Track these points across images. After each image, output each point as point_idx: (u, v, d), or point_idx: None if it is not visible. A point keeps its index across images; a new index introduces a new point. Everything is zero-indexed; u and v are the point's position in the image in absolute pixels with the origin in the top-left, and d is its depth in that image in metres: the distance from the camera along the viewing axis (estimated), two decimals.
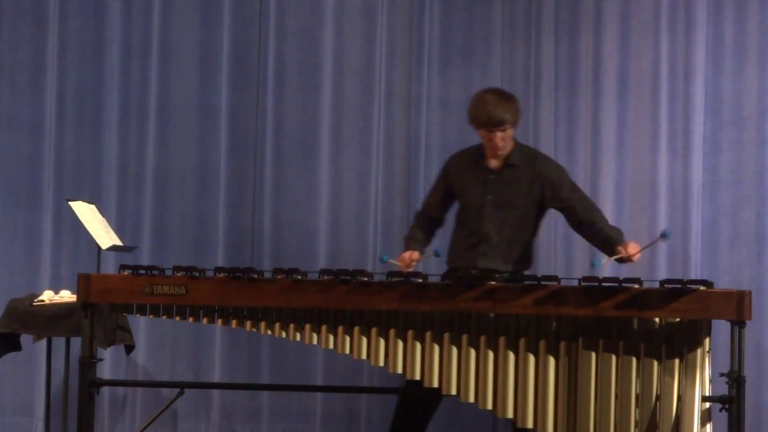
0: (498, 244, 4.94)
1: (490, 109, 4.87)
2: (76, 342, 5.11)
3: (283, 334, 4.61)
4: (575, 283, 4.46)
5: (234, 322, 4.63)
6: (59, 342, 5.65)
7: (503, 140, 4.93)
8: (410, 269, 4.89)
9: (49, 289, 5.77)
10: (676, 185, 6.26)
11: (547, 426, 4.41)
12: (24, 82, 6.42)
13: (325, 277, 4.57)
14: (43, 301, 5.51)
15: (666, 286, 4.40)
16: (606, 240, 4.90)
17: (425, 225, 5.16)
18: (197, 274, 4.62)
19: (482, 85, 6.31)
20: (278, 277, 4.60)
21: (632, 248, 4.79)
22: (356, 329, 4.55)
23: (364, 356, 4.55)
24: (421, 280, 4.52)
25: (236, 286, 4.59)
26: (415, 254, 4.97)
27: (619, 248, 4.79)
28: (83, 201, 5.69)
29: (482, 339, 4.48)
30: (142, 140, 6.42)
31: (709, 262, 6.22)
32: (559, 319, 4.46)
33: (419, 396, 4.88)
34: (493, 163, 4.99)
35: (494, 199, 4.96)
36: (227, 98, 6.44)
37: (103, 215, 5.78)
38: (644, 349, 4.40)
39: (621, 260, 4.80)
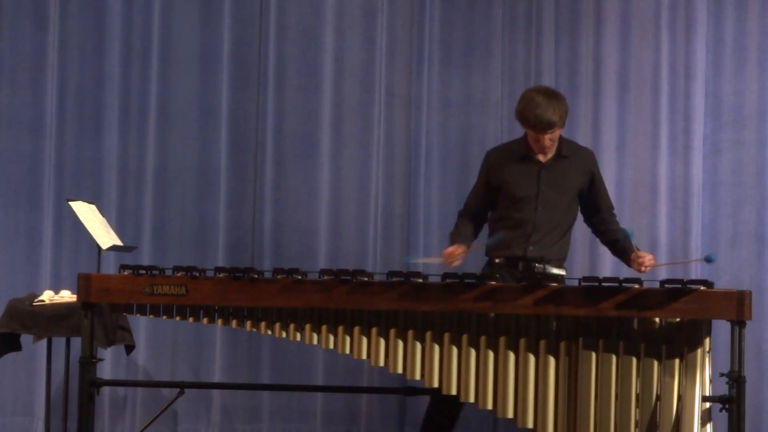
0: (549, 233, 5.01)
1: (540, 112, 4.91)
2: (76, 342, 5.11)
3: (283, 334, 4.61)
4: (575, 283, 4.46)
5: (234, 322, 4.63)
6: (59, 342, 5.65)
7: (551, 140, 5.00)
8: (455, 263, 4.92)
9: (49, 289, 5.77)
10: (676, 185, 6.26)
11: (547, 426, 4.41)
12: (24, 82, 6.41)
13: (325, 277, 4.57)
14: (43, 301, 5.51)
15: (666, 286, 4.40)
16: (617, 244, 5.11)
17: (470, 221, 5.17)
18: (197, 274, 4.62)
19: (482, 85, 6.36)
20: (278, 277, 4.60)
21: (648, 260, 4.93)
22: (356, 329, 4.55)
23: (364, 356, 4.55)
24: (421, 280, 4.52)
25: (236, 286, 4.59)
26: (461, 248, 4.97)
27: (633, 256, 4.95)
28: (83, 201, 5.68)
29: (482, 339, 4.48)
30: (142, 140, 6.42)
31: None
32: (559, 319, 4.46)
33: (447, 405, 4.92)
34: (543, 157, 5.05)
35: (548, 190, 5.02)
36: (227, 98, 6.44)
37: (103, 215, 5.78)
38: (644, 349, 4.40)
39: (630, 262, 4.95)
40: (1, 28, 6.42)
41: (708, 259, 4.88)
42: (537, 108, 4.91)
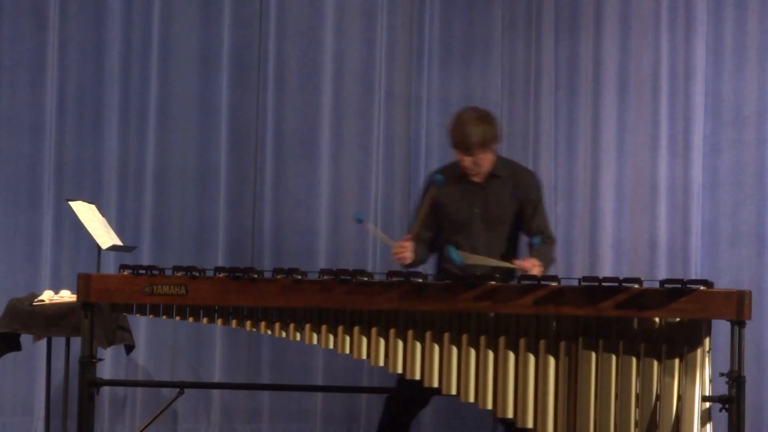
0: (491, 255, 4.89)
1: (464, 132, 4.81)
2: (76, 342, 5.11)
3: (283, 334, 4.60)
4: (575, 283, 4.46)
5: (234, 322, 4.63)
6: (59, 342, 5.65)
7: (474, 163, 4.87)
8: (400, 256, 4.82)
9: (49, 289, 5.77)
10: (676, 185, 6.27)
11: (547, 426, 4.41)
12: (24, 82, 6.42)
13: (325, 277, 4.57)
14: (43, 301, 5.51)
15: (666, 286, 4.40)
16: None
17: (419, 245, 4.98)
18: (197, 274, 4.62)
19: (482, 85, 6.37)
20: (278, 277, 4.60)
21: (530, 266, 4.77)
22: (356, 329, 4.54)
23: (364, 356, 4.55)
24: (421, 280, 4.52)
25: (236, 286, 4.59)
26: (412, 247, 4.86)
27: (518, 261, 4.79)
28: (83, 201, 5.69)
29: (482, 339, 4.48)
30: (142, 140, 6.43)
31: (709, 262, 6.22)
32: (559, 319, 4.46)
33: (407, 397, 4.92)
34: (477, 177, 4.95)
35: (482, 212, 4.95)
36: (227, 98, 6.44)
37: (103, 215, 5.78)
38: (644, 349, 4.40)
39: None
40: (1, 28, 6.42)
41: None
42: (462, 127, 4.83)
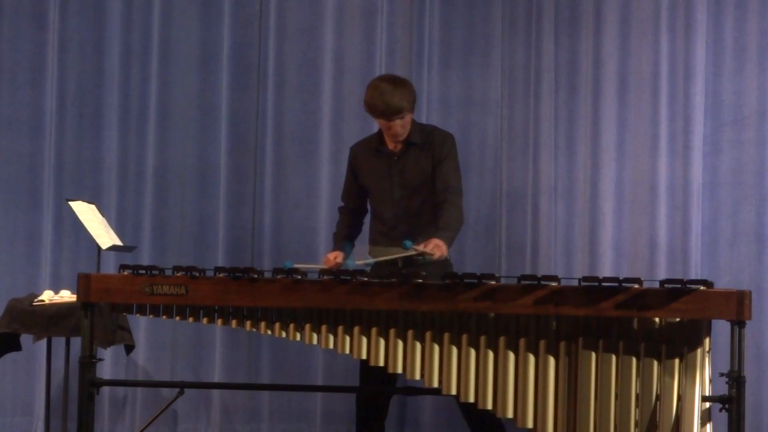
0: (415, 223, 5.04)
1: (387, 98, 4.96)
2: (76, 342, 5.11)
3: (283, 334, 4.60)
4: (575, 283, 4.45)
5: (234, 322, 4.63)
6: (59, 342, 5.65)
7: (403, 127, 5.03)
8: (333, 263, 5.01)
9: (49, 289, 5.77)
10: (676, 185, 6.26)
11: (547, 426, 4.41)
12: (24, 82, 6.42)
13: (325, 277, 4.57)
14: (43, 301, 5.51)
15: (666, 286, 4.39)
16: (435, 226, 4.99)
17: (350, 216, 5.28)
18: (197, 274, 4.62)
19: (482, 85, 6.36)
20: (278, 277, 4.60)
21: (434, 248, 4.84)
22: (356, 329, 4.54)
23: (364, 356, 4.54)
24: (421, 280, 4.52)
25: (236, 286, 4.58)
26: (340, 256, 5.08)
27: (420, 248, 4.85)
28: (83, 201, 5.69)
29: (482, 339, 4.47)
30: (142, 140, 6.43)
31: (709, 262, 6.22)
32: (559, 319, 4.46)
33: (374, 389, 5.02)
34: (394, 146, 5.08)
35: (402, 179, 5.06)
36: (227, 98, 6.44)
37: (103, 215, 5.78)
38: (644, 349, 4.39)
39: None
40: (1, 28, 6.42)
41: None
42: (384, 95, 4.95)
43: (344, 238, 5.23)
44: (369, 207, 5.27)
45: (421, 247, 4.86)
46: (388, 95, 4.95)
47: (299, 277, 4.57)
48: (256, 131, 6.45)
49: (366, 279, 4.54)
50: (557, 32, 6.37)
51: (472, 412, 4.81)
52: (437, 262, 4.88)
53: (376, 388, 5.07)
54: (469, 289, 4.47)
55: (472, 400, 4.46)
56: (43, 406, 6.07)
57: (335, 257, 5.08)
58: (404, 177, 5.09)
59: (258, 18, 6.47)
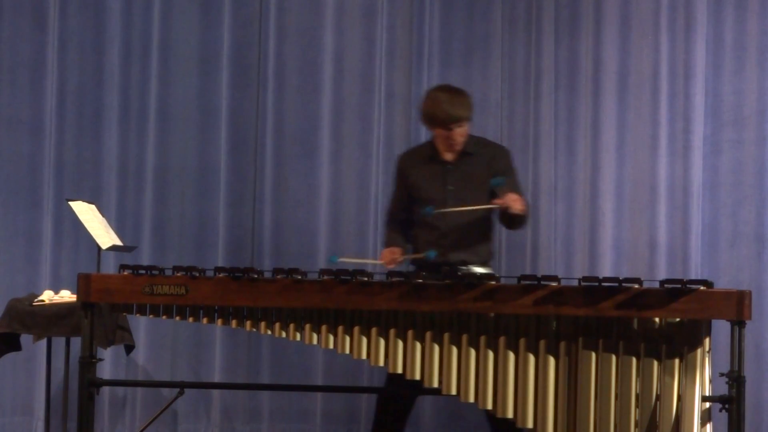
0: (464, 235, 5.02)
1: (447, 107, 4.96)
2: (76, 342, 5.11)
3: (283, 334, 4.60)
4: (575, 283, 4.46)
5: (234, 322, 4.63)
6: (59, 342, 5.65)
7: (462, 135, 5.02)
8: (391, 266, 4.98)
9: (49, 289, 5.77)
10: (676, 185, 6.26)
11: (547, 426, 4.41)
12: (24, 82, 6.42)
13: (325, 277, 4.57)
14: (43, 301, 5.51)
15: (666, 286, 4.39)
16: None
17: (398, 227, 5.21)
18: (197, 274, 4.62)
19: (482, 85, 6.36)
20: (278, 277, 4.60)
21: (511, 200, 4.87)
22: (356, 329, 4.54)
23: (364, 356, 4.55)
24: (421, 280, 4.52)
25: (236, 286, 4.59)
26: (398, 251, 5.05)
27: (498, 201, 4.89)
28: (83, 201, 5.69)
29: (482, 339, 4.47)
30: (142, 140, 6.43)
31: (709, 262, 6.22)
32: (559, 319, 4.46)
33: (397, 395, 4.98)
34: (449, 156, 5.06)
35: (456, 189, 5.04)
36: (227, 98, 6.44)
37: (103, 215, 5.78)
38: (644, 349, 4.39)
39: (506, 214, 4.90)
40: (1, 28, 6.42)
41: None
42: (444, 104, 4.96)
43: (399, 244, 5.13)
44: (414, 216, 5.17)
45: (499, 201, 4.87)
46: (448, 104, 4.95)
47: (299, 277, 4.57)
48: (256, 131, 6.45)
49: (366, 279, 4.54)
50: (557, 32, 6.37)
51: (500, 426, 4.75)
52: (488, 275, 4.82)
53: (394, 389, 5.03)
54: (469, 289, 4.47)
55: (472, 400, 4.46)
56: (43, 406, 6.07)
57: (392, 253, 5.03)
58: (459, 186, 5.05)
59: (258, 18, 6.47)
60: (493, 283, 4.48)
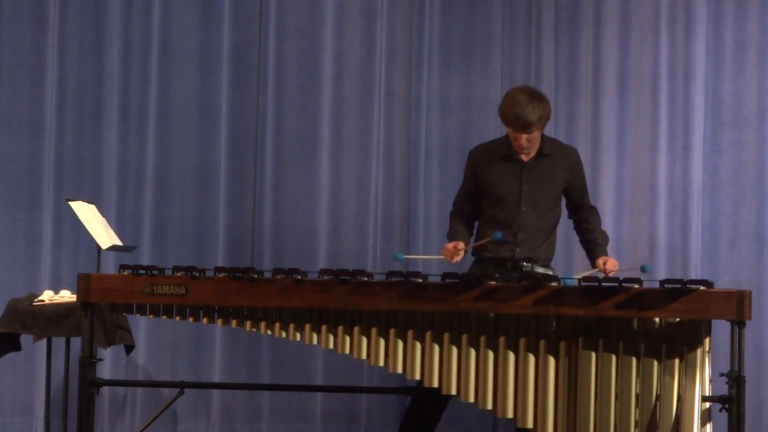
0: (534, 233, 5.06)
1: (519, 110, 4.95)
2: (76, 342, 5.11)
3: (283, 334, 4.61)
4: (575, 283, 4.46)
5: (234, 322, 4.63)
6: (59, 342, 5.65)
7: (529, 141, 5.02)
8: (456, 259, 5.00)
9: (49, 289, 5.77)
10: (676, 185, 6.27)
11: (547, 426, 4.41)
12: (24, 82, 6.41)
13: (325, 277, 4.57)
14: (43, 301, 5.51)
15: (666, 286, 4.40)
16: (592, 244, 5.20)
17: (463, 220, 5.23)
18: (197, 274, 4.62)
19: (482, 85, 6.36)
20: (278, 277, 4.60)
21: (611, 265, 5.05)
22: (356, 329, 4.55)
23: (364, 356, 4.55)
24: (420, 280, 4.52)
25: (236, 286, 4.59)
26: (461, 243, 5.05)
27: (599, 262, 5.08)
28: (83, 201, 5.68)
29: (482, 339, 4.48)
30: (142, 140, 6.42)
31: (709, 262, 6.22)
32: (559, 319, 4.46)
33: (433, 397, 4.93)
34: (526, 156, 5.08)
35: (530, 189, 5.06)
36: (227, 98, 6.44)
37: (103, 215, 5.78)
38: (644, 349, 4.40)
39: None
40: (1, 28, 6.41)
41: (643, 269, 4.90)
42: (517, 106, 4.95)
43: (464, 235, 5.15)
44: (482, 212, 5.19)
45: (601, 265, 5.03)
46: (521, 107, 4.93)
47: (299, 277, 4.57)
48: (256, 131, 6.45)
49: (366, 279, 4.54)
50: (557, 32, 6.37)
51: None
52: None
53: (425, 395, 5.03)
54: (469, 289, 4.48)
55: (472, 400, 4.47)
56: (43, 406, 6.07)
57: (455, 246, 5.03)
58: (533, 186, 5.07)
59: (258, 18, 6.47)
60: (493, 283, 4.48)
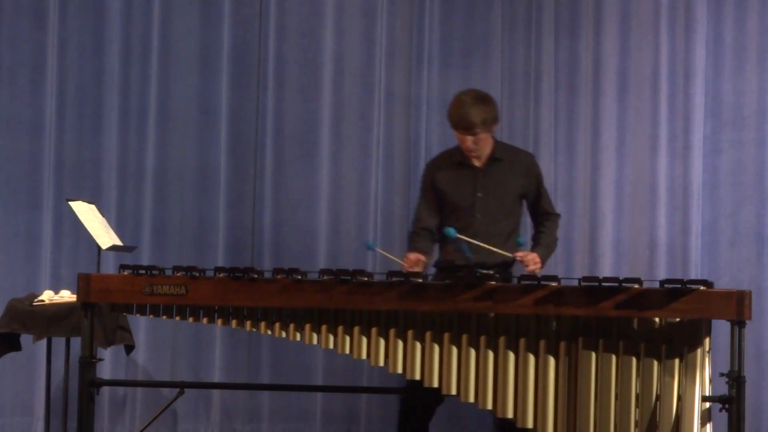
0: (491, 239, 4.97)
1: (462, 112, 4.93)
2: (76, 342, 5.11)
3: (283, 334, 4.60)
4: (575, 283, 4.46)
5: (234, 322, 4.63)
6: (59, 342, 5.65)
7: (475, 143, 4.96)
8: (417, 269, 4.90)
9: (49, 289, 5.77)
10: (676, 185, 6.26)
11: (547, 426, 4.41)
12: (24, 82, 6.42)
13: (325, 277, 4.57)
14: (43, 301, 5.51)
15: (666, 286, 4.40)
16: (534, 242, 5.13)
17: (426, 238, 5.12)
18: (197, 274, 4.62)
19: (482, 85, 6.33)
20: (278, 277, 4.60)
21: (531, 261, 4.92)
22: (356, 329, 4.54)
23: (364, 356, 4.55)
24: (420, 280, 4.52)
25: (236, 286, 4.59)
26: (423, 258, 5.00)
27: (520, 253, 4.93)
28: (83, 201, 5.69)
29: (482, 339, 4.48)
30: (142, 140, 6.43)
31: (709, 262, 6.22)
32: (559, 319, 4.46)
33: (420, 396, 4.90)
34: (478, 161, 5.03)
35: (484, 196, 5.02)
36: (227, 98, 6.44)
37: (103, 215, 5.78)
38: (644, 349, 4.40)
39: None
40: (1, 28, 6.42)
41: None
42: (461, 108, 4.94)
43: (426, 252, 5.06)
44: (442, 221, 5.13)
45: (520, 254, 4.89)
46: (464, 109, 4.92)
47: (299, 277, 4.57)
48: (256, 131, 6.45)
49: (366, 279, 4.54)
50: (557, 32, 6.37)
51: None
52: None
53: (415, 394, 4.97)
54: (469, 289, 4.47)
55: (472, 400, 4.47)
56: (43, 406, 6.07)
57: (417, 258, 4.97)
58: (488, 193, 5.03)
59: (258, 18, 6.47)
60: (494, 283, 4.48)
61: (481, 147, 4.99)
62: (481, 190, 5.02)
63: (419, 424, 5.03)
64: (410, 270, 4.87)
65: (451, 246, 5.02)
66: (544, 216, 5.15)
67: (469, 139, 4.95)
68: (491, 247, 4.85)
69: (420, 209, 5.15)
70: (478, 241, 4.89)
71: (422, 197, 5.16)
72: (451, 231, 4.88)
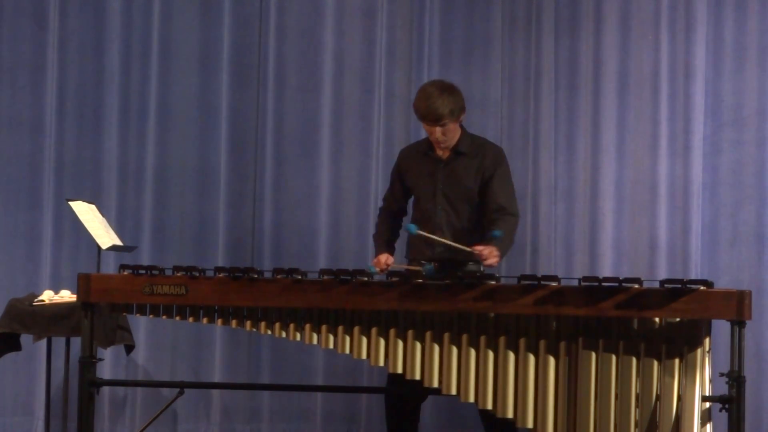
0: (454, 233, 4.99)
1: (429, 104, 4.94)
2: (76, 342, 5.11)
3: (283, 334, 4.60)
4: (575, 283, 4.46)
5: (234, 322, 4.63)
6: (59, 342, 5.65)
7: (443, 134, 4.99)
8: (384, 269, 4.97)
9: (49, 289, 5.77)
10: (676, 185, 6.27)
11: (547, 426, 4.41)
12: (24, 82, 6.41)
13: (325, 277, 4.57)
14: (43, 301, 5.51)
15: (666, 286, 4.39)
16: (488, 234, 4.88)
17: (389, 219, 5.28)
18: (197, 274, 4.62)
19: (482, 85, 6.37)
20: (278, 277, 4.60)
21: (489, 254, 4.75)
22: (356, 329, 4.54)
23: (364, 356, 4.55)
24: (421, 280, 4.52)
25: (236, 286, 4.59)
26: (390, 259, 5.07)
27: (478, 247, 4.76)
28: (83, 201, 5.68)
29: (482, 339, 4.48)
30: (142, 140, 6.43)
31: (709, 262, 6.22)
32: (559, 319, 4.46)
33: (403, 392, 4.96)
34: (442, 153, 5.05)
35: (444, 188, 5.05)
36: (227, 98, 6.44)
37: (103, 215, 5.78)
38: (644, 349, 4.40)
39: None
40: (1, 28, 6.42)
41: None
42: (428, 99, 4.94)
43: (386, 242, 5.21)
44: (413, 208, 5.24)
45: (478, 248, 4.77)
46: (431, 100, 4.93)
47: (299, 277, 4.58)
48: (256, 131, 6.46)
49: (366, 279, 4.54)
50: (557, 32, 6.37)
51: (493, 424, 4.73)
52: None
53: (396, 389, 5.03)
54: (469, 289, 4.47)
55: (472, 400, 4.46)
56: (43, 406, 6.07)
57: (386, 260, 5.04)
58: (448, 184, 5.05)
59: (258, 18, 6.47)
60: (493, 283, 4.48)
61: (449, 138, 5.03)
62: (442, 182, 5.06)
63: (404, 418, 5.03)
64: (382, 271, 4.92)
65: (414, 239, 5.09)
66: (499, 211, 4.99)
67: (437, 130, 4.98)
68: (449, 242, 4.86)
69: (387, 194, 5.32)
70: (438, 236, 4.93)
71: (390, 183, 5.30)
72: (411, 227, 4.94)
